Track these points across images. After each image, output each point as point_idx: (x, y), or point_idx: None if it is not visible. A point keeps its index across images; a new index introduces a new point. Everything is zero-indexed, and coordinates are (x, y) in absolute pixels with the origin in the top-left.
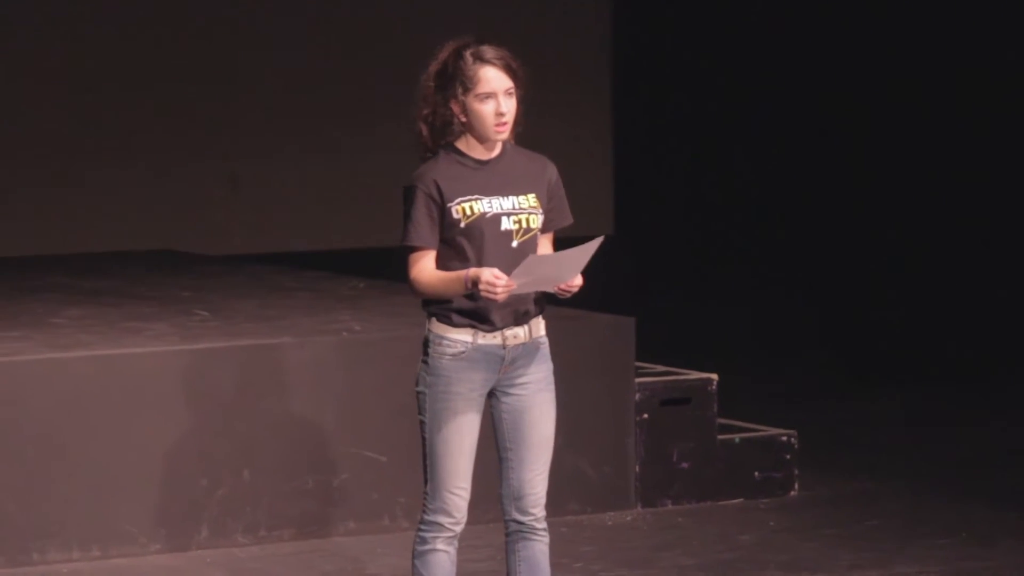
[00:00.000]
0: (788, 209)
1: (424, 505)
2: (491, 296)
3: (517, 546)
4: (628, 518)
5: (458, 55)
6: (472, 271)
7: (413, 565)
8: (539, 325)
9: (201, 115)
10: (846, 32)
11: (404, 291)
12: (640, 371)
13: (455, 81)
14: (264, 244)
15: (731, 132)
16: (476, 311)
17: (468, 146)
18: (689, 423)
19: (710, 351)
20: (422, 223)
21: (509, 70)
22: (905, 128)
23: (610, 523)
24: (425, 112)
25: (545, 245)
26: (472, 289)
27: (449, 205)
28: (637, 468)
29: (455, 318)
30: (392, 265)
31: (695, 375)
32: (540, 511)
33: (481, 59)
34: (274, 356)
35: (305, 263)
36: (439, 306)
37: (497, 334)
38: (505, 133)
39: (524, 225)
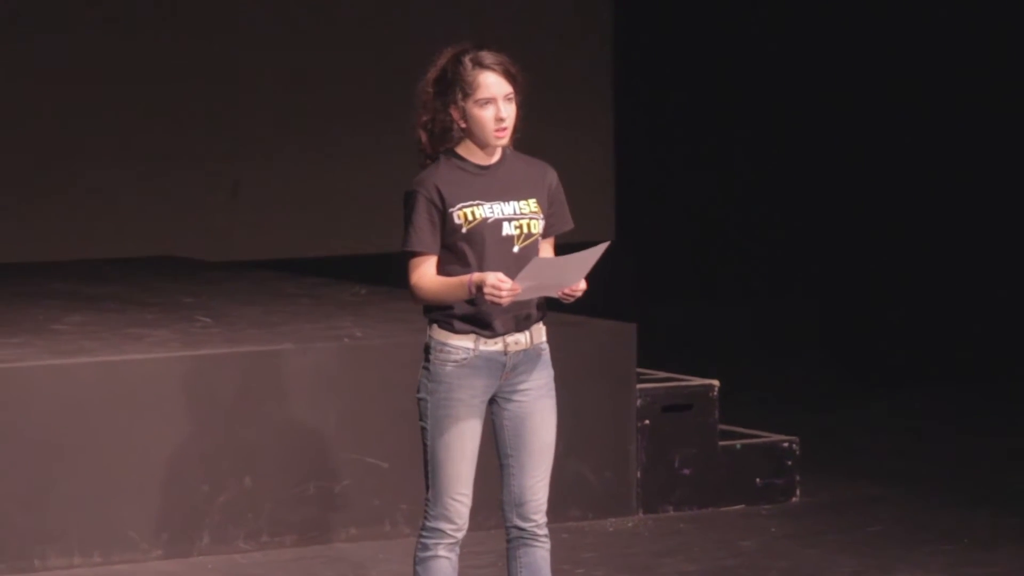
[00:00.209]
0: (789, 213)
1: (426, 511)
2: (496, 300)
3: (518, 552)
4: (629, 524)
5: (457, 61)
6: (476, 276)
7: (415, 571)
8: (540, 331)
9: (202, 121)
10: (846, 32)
11: (405, 297)
12: (641, 377)
13: (454, 87)
14: (266, 250)
15: (731, 136)
16: (478, 317)
17: (468, 151)
18: (691, 429)
19: (711, 357)
20: (423, 229)
21: (508, 75)
22: (905, 129)
23: (611, 529)
24: (424, 119)
25: (546, 250)
26: (476, 294)
27: (451, 210)
28: (639, 474)
29: (457, 324)
30: (393, 271)
31: (696, 381)
32: (541, 517)
33: (480, 65)
34: (275, 362)
35: (306, 269)
36: (440, 312)
37: (498, 340)
38: (505, 139)
39: (525, 230)
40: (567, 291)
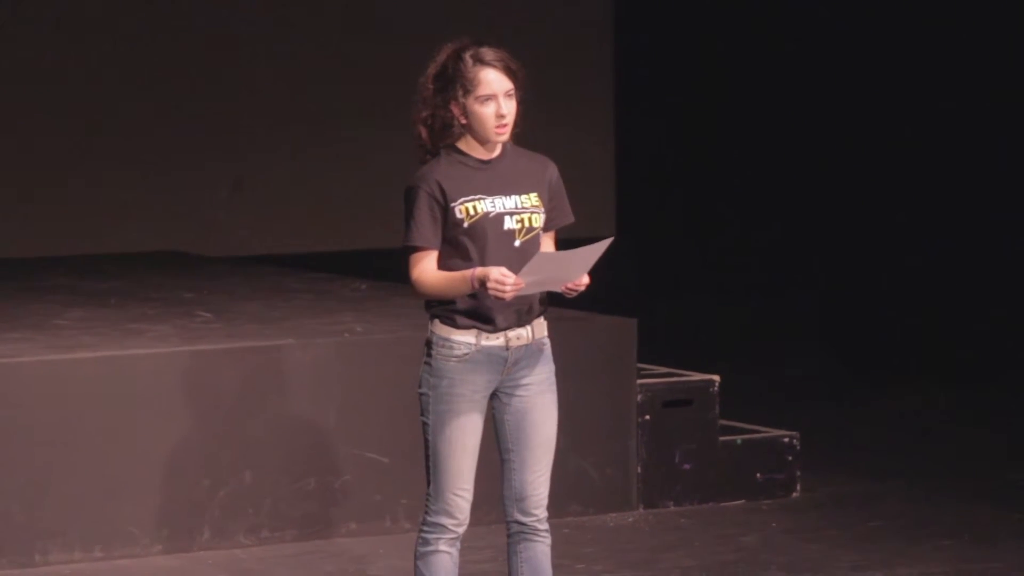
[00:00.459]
0: (789, 209)
1: (426, 506)
2: (499, 295)
3: (519, 547)
4: (630, 519)
5: (457, 57)
6: (479, 270)
7: (415, 566)
8: (542, 326)
9: (204, 117)
10: (847, 34)
11: (406, 292)
12: (642, 372)
13: (455, 83)
14: (266, 246)
15: (733, 131)
16: (479, 312)
17: (469, 146)
18: (691, 424)
19: (712, 352)
20: (425, 223)
21: (509, 72)
22: (906, 129)
23: (612, 524)
24: (424, 114)
25: (547, 244)
26: (479, 288)
27: (452, 205)
28: (639, 469)
29: (459, 319)
30: (394, 267)
31: (697, 376)
32: (542, 512)
33: (481, 61)
34: (276, 358)
35: (307, 265)
36: (442, 307)
37: (500, 335)
38: (505, 135)
39: (527, 224)
40: (570, 286)
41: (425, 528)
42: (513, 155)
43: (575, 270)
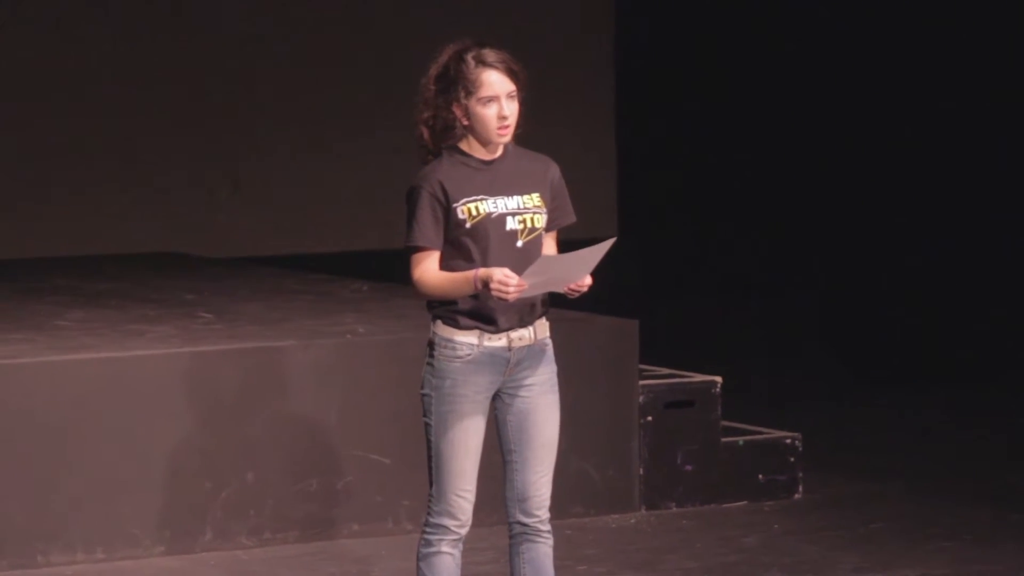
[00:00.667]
0: (791, 210)
1: (429, 507)
2: (503, 296)
3: (521, 548)
4: (632, 521)
5: (459, 58)
6: (482, 271)
7: (418, 567)
8: (544, 327)
9: (204, 117)
10: (847, 34)
11: (407, 293)
12: (644, 374)
13: (457, 85)
14: (268, 247)
15: (734, 132)
16: (481, 313)
17: (471, 147)
18: (693, 426)
19: (714, 353)
20: (427, 224)
21: (511, 73)
22: (906, 129)
23: (614, 526)
24: (426, 115)
25: (549, 244)
26: (482, 289)
27: (455, 206)
28: (641, 471)
29: (461, 320)
30: (396, 267)
31: (699, 378)
32: (544, 513)
33: (483, 63)
34: (278, 359)
35: (308, 266)
36: (444, 308)
37: (502, 336)
38: (507, 136)
39: (529, 225)
40: (572, 287)
41: (427, 529)
42: (515, 155)
43: (577, 271)
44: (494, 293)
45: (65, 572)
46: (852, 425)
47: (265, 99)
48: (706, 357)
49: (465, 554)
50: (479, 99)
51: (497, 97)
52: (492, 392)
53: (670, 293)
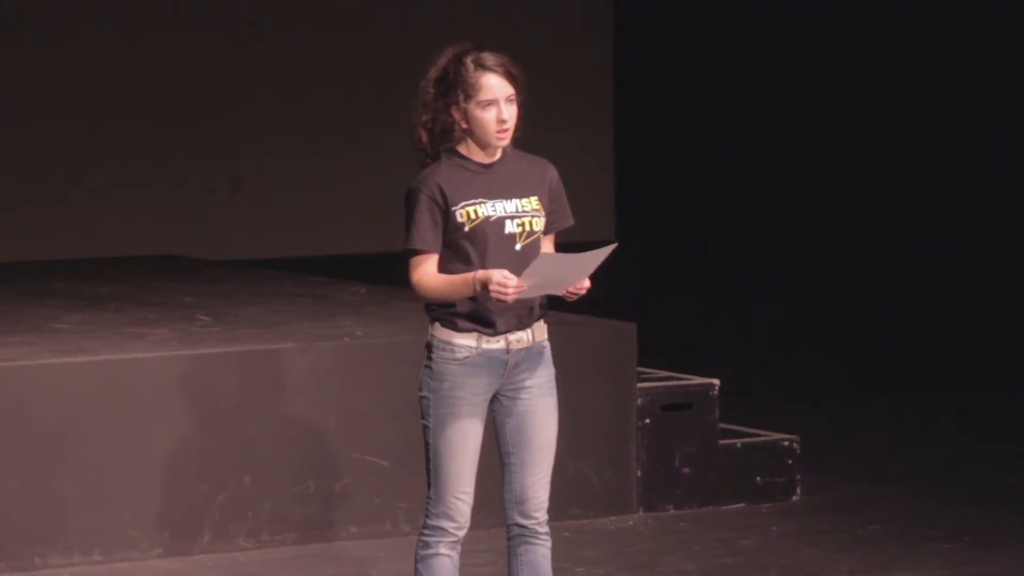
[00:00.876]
0: (789, 211)
1: (427, 510)
2: (501, 298)
3: (519, 550)
4: (630, 523)
5: (459, 62)
6: (481, 273)
7: (416, 570)
8: (542, 329)
9: (203, 120)
10: (847, 34)
11: (406, 296)
12: (642, 376)
13: (456, 88)
14: (266, 249)
15: (731, 134)
16: (480, 315)
17: (469, 150)
18: (691, 428)
19: (712, 356)
20: (425, 227)
21: (510, 77)
22: (905, 128)
23: (612, 528)
24: (425, 118)
25: (547, 247)
26: (480, 291)
27: (453, 209)
28: (639, 473)
29: (459, 323)
30: (394, 270)
31: (697, 380)
32: (542, 515)
33: (483, 66)
34: (276, 361)
35: (307, 268)
36: (442, 310)
37: (500, 338)
38: (506, 140)
39: (527, 228)
40: (571, 289)
41: (425, 531)
42: (513, 158)
43: (576, 274)
44: (493, 294)
45: (63, 574)
46: (850, 427)
47: (264, 102)
48: (704, 359)
49: (463, 556)
50: (478, 103)
51: (496, 101)
52: (490, 394)
53: (668, 295)
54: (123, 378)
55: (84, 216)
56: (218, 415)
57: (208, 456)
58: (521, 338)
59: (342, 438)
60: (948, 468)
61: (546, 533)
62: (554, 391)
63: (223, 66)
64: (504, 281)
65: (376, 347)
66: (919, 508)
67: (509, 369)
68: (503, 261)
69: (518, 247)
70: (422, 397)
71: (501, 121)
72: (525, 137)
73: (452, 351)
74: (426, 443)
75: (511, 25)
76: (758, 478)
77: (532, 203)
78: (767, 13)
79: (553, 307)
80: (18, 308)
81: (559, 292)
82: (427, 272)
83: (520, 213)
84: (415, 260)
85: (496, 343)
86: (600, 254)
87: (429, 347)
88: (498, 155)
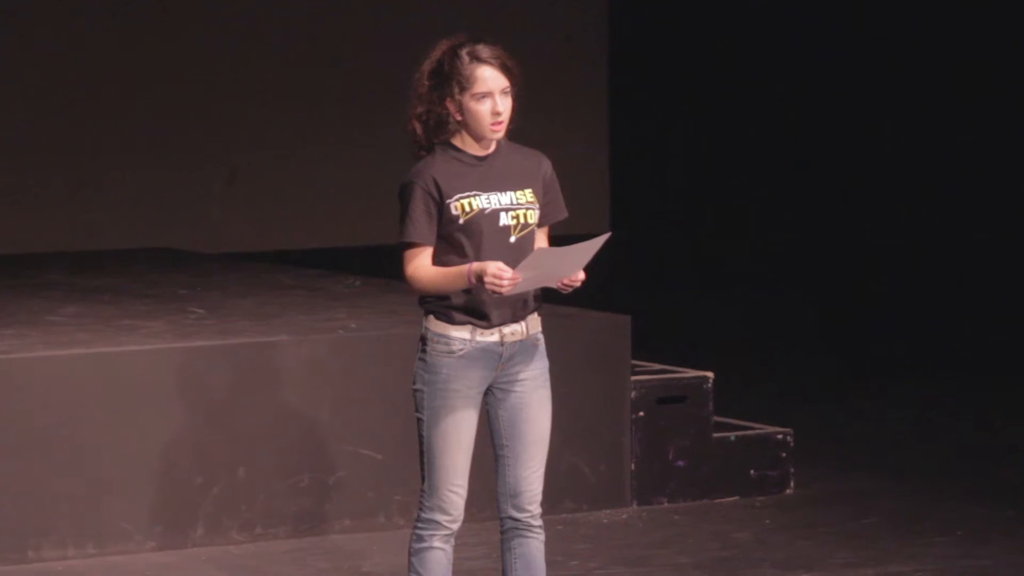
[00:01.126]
0: (784, 204)
1: (421, 503)
2: (497, 290)
3: (513, 543)
4: (624, 516)
5: (454, 54)
6: (476, 265)
7: (410, 563)
8: (536, 322)
9: (198, 113)
10: (843, 32)
11: (400, 289)
12: (636, 369)
13: (451, 80)
14: (261, 242)
15: (727, 128)
16: (474, 308)
17: (464, 143)
18: (685, 421)
19: (706, 349)
20: (420, 220)
21: (505, 69)
22: (904, 126)
23: (606, 521)
24: (419, 110)
25: (541, 240)
26: (476, 283)
27: (448, 202)
28: (633, 466)
29: (454, 315)
30: (389, 263)
31: (691, 373)
32: (536, 508)
33: (477, 59)
34: (270, 354)
35: (302, 261)
36: (437, 303)
37: (495, 331)
38: (501, 132)
39: (522, 220)
40: (566, 281)
41: (419, 524)
42: (507, 151)
43: (571, 266)
44: (488, 286)
45: (56, 567)
46: (844, 420)
47: (259, 95)
48: (698, 352)
49: (457, 549)
50: (473, 95)
51: (491, 93)
52: (484, 387)
53: (662, 288)
54: (117, 371)
55: (80, 209)
56: (212, 408)
57: (202, 449)
58: (515, 331)
59: (336, 431)
60: (941, 462)
61: (540, 526)
62: (548, 384)
63: (218, 60)
64: (499, 273)
65: (370, 340)
66: (912, 501)
67: (503, 362)
68: (498, 253)
69: (512, 239)
70: (416, 390)
71: (496, 113)
72: (520, 129)
73: (446, 344)
74: (420, 436)
75: (506, 17)
76: (752, 471)
77: (527, 195)
78: (762, 8)
79: (547, 300)
80: (12, 300)
81: (554, 284)
82: (422, 265)
83: (515, 205)
84: (410, 253)
85: (490, 336)
86: (594, 244)
87: (423, 340)
88: (492, 147)
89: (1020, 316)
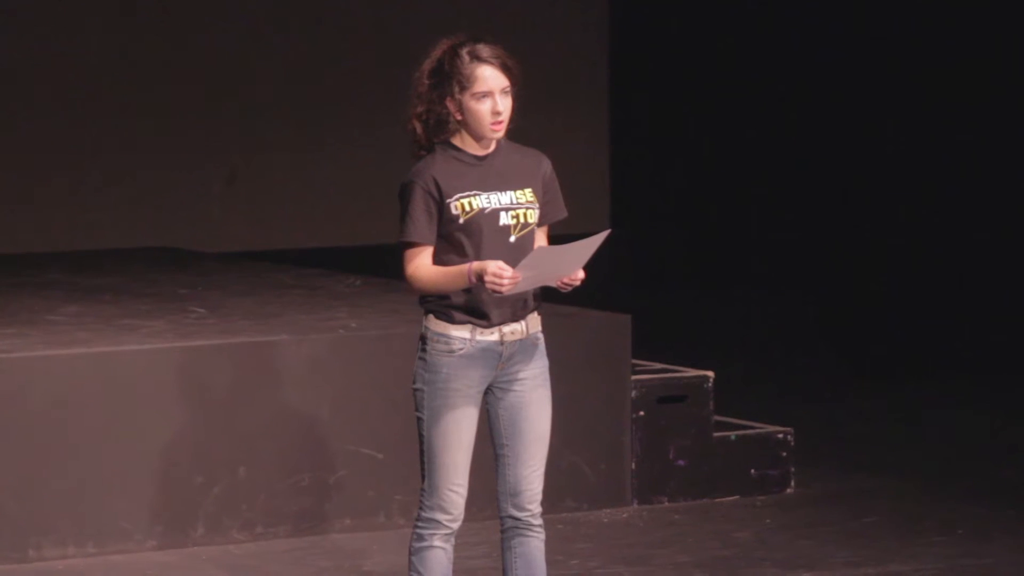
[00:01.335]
0: (785, 204)
1: (421, 502)
2: (497, 289)
3: (513, 543)
4: (624, 515)
5: (454, 53)
6: (476, 264)
7: (410, 562)
8: (536, 321)
9: (199, 113)
10: (843, 32)
11: (401, 288)
12: (636, 368)
13: (451, 80)
14: (261, 241)
15: (727, 127)
16: (474, 307)
17: (464, 142)
18: (685, 420)
19: (707, 348)
20: (420, 219)
21: (505, 69)
22: (904, 126)
23: (606, 520)
24: (419, 110)
25: (540, 239)
26: (476, 283)
27: (448, 201)
28: (633, 465)
29: (454, 314)
30: (389, 262)
31: (691, 372)
32: (536, 507)
33: (478, 58)
34: (271, 353)
35: (302, 260)
36: (437, 302)
37: (495, 330)
38: (501, 131)
39: (522, 220)
40: (566, 280)
41: (419, 524)
42: (507, 150)
43: (571, 264)
44: (488, 286)
45: (57, 566)
46: (845, 420)
47: (260, 95)
48: (698, 352)
49: (457, 548)
50: (473, 94)
51: (491, 92)
52: (484, 386)
53: (663, 287)
54: (117, 370)
55: (80, 208)
56: (212, 407)
57: (202, 448)
58: (515, 330)
59: (336, 430)
60: (941, 461)
61: (540, 525)
62: (548, 383)
63: (218, 60)
64: (499, 272)
65: (371, 339)
66: (913, 500)
67: (503, 361)
68: (498, 253)
69: (512, 239)
70: (416, 389)
71: (496, 113)
72: (520, 128)
73: (446, 343)
74: (420, 435)
75: (506, 16)
76: (752, 470)
77: (526, 195)
78: (763, 5)
79: (547, 299)
80: (13, 300)
81: (554, 283)
82: (422, 264)
83: (515, 205)
84: (410, 252)
85: (490, 335)
86: (594, 242)
87: (423, 339)
88: (492, 147)
89: (1020, 316)
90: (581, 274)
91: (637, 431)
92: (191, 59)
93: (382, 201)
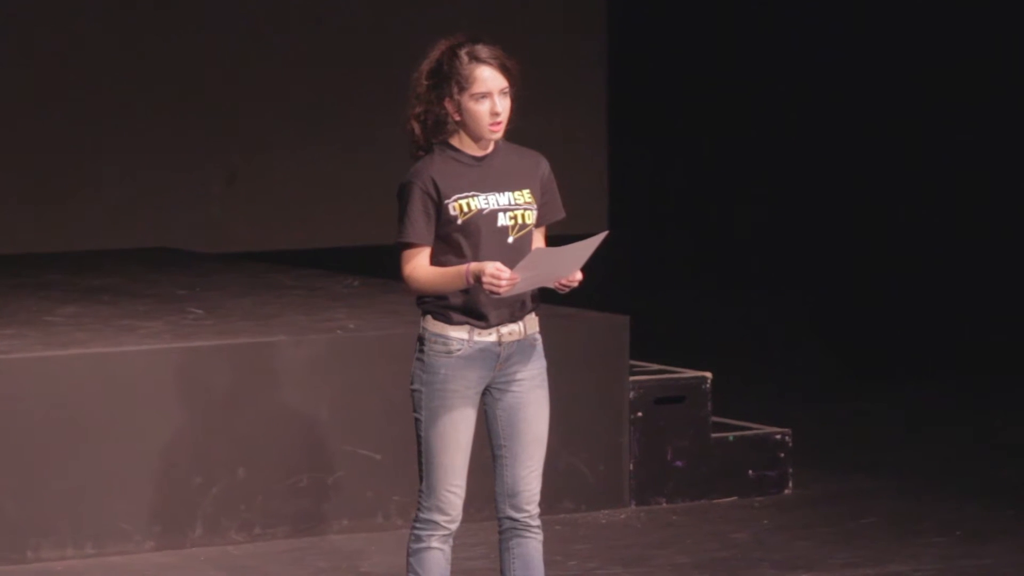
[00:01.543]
0: (783, 204)
1: (419, 503)
2: (495, 290)
3: (511, 543)
4: (622, 516)
5: (453, 54)
6: (474, 265)
7: (408, 563)
8: (533, 322)
9: (198, 113)
10: (843, 32)
11: (398, 289)
12: (634, 369)
13: (450, 80)
14: (260, 242)
15: (725, 128)
16: (472, 308)
17: (462, 143)
18: (683, 421)
19: (704, 349)
20: (418, 220)
21: (504, 69)
22: (903, 125)
23: (604, 521)
24: (418, 110)
25: (538, 239)
26: (473, 284)
27: (446, 202)
28: (631, 466)
29: (451, 315)
30: (387, 263)
31: (689, 373)
32: (534, 508)
33: (476, 59)
34: (269, 354)
35: (300, 261)
36: (435, 303)
37: (492, 331)
38: (499, 132)
39: (520, 221)
40: (564, 281)
41: (418, 525)
42: (505, 151)
43: (569, 265)
44: (486, 287)
45: (55, 567)
46: (842, 421)
47: (259, 95)
48: (697, 353)
49: (455, 549)
50: (472, 95)
51: (490, 93)
52: (482, 387)
53: (661, 288)
54: (116, 371)
55: (79, 209)
56: (211, 408)
57: (201, 449)
58: (513, 331)
59: (335, 431)
60: (940, 462)
61: (538, 526)
62: (546, 384)
63: (218, 60)
64: (497, 273)
65: (369, 340)
66: (911, 501)
67: (501, 362)
68: (496, 254)
69: (511, 240)
70: (414, 390)
71: (494, 114)
72: (519, 129)
73: (444, 344)
74: (418, 436)
75: (506, 17)
76: (750, 471)
77: (524, 196)
78: (760, 6)
79: (545, 300)
80: (11, 300)
81: (552, 285)
82: (420, 265)
83: (513, 206)
84: (408, 253)
85: (488, 336)
86: (592, 243)
87: (421, 340)
88: (491, 148)
89: (1020, 316)
90: (579, 275)
91: (635, 432)
92: (191, 59)
93: (382, 201)
